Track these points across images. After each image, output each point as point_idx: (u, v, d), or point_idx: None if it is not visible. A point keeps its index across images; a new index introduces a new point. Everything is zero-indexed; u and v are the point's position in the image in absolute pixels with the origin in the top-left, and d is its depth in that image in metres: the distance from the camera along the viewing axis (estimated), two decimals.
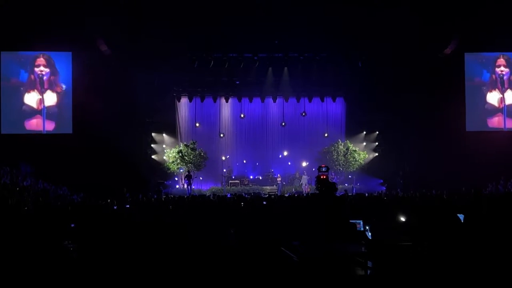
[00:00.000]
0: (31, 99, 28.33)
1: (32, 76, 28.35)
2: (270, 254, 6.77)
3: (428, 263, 5.64)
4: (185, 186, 29.86)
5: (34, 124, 28.35)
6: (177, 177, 32.02)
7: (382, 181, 30.54)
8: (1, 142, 26.54)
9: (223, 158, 33.62)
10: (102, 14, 25.00)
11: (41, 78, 28.33)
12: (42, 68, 28.38)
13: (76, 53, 28.15)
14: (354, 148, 31.65)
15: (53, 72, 28.57)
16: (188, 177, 29.54)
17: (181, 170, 30.96)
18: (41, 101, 28.34)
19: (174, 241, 7.54)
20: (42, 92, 28.34)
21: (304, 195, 24.53)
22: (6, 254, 6.86)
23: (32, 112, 28.35)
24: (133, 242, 7.59)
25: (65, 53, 28.53)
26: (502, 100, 30.44)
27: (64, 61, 28.63)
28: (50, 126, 28.50)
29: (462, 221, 6.82)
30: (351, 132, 33.24)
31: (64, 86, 28.63)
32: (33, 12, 24.69)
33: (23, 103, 28.25)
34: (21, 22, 25.26)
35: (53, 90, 28.60)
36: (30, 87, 28.39)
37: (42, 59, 28.43)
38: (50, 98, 28.54)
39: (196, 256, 6.72)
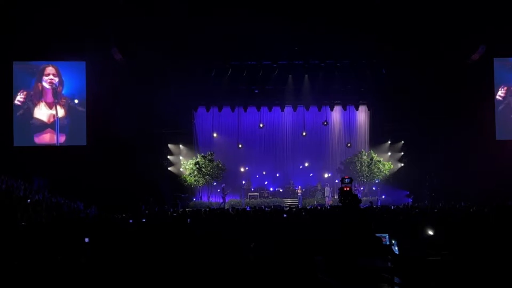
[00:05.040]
0: (40, 113, 28.62)
1: (40, 86, 28.65)
2: (291, 269, 6.75)
3: (458, 279, 5.60)
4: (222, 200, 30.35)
5: (47, 138, 28.63)
6: (194, 190, 32.01)
7: (408, 192, 30.27)
8: (13, 155, 26.82)
9: (242, 169, 33.55)
10: (116, 22, 25.26)
11: (53, 88, 28.61)
12: (51, 77, 28.67)
13: (90, 62, 28.44)
14: (378, 159, 31.44)
15: (61, 82, 28.85)
16: (223, 191, 30.01)
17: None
18: (54, 115, 28.61)
19: (191, 254, 7.56)
20: (55, 102, 28.63)
21: (328, 207, 24.42)
22: (17, 269, 6.94)
23: (42, 126, 28.64)
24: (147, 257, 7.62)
25: (79, 62, 28.81)
26: None
27: (77, 71, 28.90)
28: (62, 138, 28.78)
29: (492, 234, 6.75)
30: (375, 141, 33.04)
31: (76, 101, 28.90)
32: (45, 21, 24.95)
33: (32, 118, 28.56)
34: (34, 31, 25.54)
35: (65, 102, 28.87)
36: (38, 99, 28.68)
37: (51, 68, 28.73)
38: (62, 110, 28.82)
39: (214, 270, 6.74)
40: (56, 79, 28.80)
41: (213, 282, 6.52)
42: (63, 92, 28.91)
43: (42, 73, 28.78)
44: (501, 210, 14.53)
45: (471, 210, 18.64)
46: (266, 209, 21.66)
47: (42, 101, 28.73)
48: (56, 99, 28.75)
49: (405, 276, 6.45)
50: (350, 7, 25.64)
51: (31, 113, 28.61)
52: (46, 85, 28.70)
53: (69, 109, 28.94)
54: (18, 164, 25.40)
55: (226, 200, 30.30)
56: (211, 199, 31.66)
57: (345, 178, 24.59)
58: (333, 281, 6.43)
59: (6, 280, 6.66)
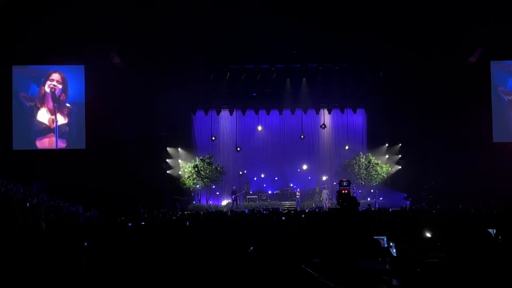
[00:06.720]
0: (43, 116, 28.58)
1: (43, 90, 28.62)
2: (290, 272, 6.71)
3: (456, 281, 5.55)
4: (232, 201, 30.16)
5: (47, 142, 28.57)
6: (193, 193, 32.00)
7: (406, 195, 30.25)
8: (13, 159, 26.74)
9: (240, 172, 33.52)
10: (115, 27, 25.23)
11: (53, 93, 28.58)
12: (55, 83, 28.66)
13: (89, 66, 28.42)
14: (376, 161, 31.41)
15: (65, 89, 28.82)
16: (234, 193, 29.82)
17: (197, 186, 30.98)
18: (54, 119, 28.57)
19: (190, 258, 7.52)
20: (55, 108, 28.59)
21: (326, 210, 24.41)
22: (16, 274, 6.88)
23: (45, 130, 28.58)
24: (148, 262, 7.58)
25: (78, 66, 28.80)
26: None
27: (76, 75, 28.88)
28: (63, 144, 28.73)
29: (493, 236, 6.71)
30: (373, 144, 32.97)
31: (69, 106, 28.85)
32: (44, 25, 24.91)
33: (35, 121, 28.50)
34: (32, 35, 25.51)
35: (65, 106, 28.83)
36: (41, 103, 28.64)
37: (57, 74, 28.73)
38: (63, 115, 28.78)
39: (213, 272, 6.70)
40: (60, 86, 28.79)
41: (212, 284, 6.49)
42: (69, 97, 28.92)
43: (47, 78, 28.78)
44: (500, 211, 14.50)
45: (469, 212, 18.61)
46: (265, 211, 21.63)
47: (44, 106, 28.72)
48: (56, 103, 28.71)
49: (403, 278, 6.42)
50: (348, 10, 25.64)
51: (33, 117, 28.58)
52: (47, 90, 28.70)
53: (68, 113, 28.91)
54: (17, 168, 25.33)
55: (239, 202, 30.37)
56: (210, 202, 31.63)
57: (343, 181, 24.66)
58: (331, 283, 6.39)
59: (6, 282, 6.62)
